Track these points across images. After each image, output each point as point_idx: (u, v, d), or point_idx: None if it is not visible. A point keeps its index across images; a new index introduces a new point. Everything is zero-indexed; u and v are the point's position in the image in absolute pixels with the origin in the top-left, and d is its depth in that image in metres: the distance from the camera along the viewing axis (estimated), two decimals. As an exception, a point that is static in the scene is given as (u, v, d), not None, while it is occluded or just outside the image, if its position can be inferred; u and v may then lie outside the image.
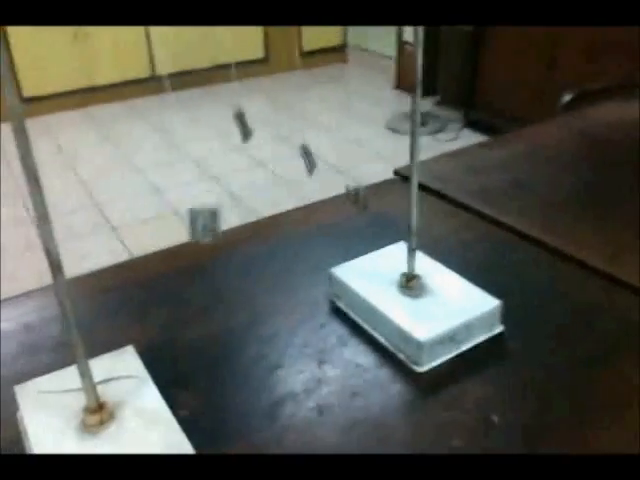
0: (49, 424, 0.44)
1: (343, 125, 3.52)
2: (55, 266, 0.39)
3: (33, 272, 2.22)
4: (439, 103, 3.73)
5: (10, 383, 0.49)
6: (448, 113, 3.58)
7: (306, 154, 0.47)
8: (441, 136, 3.33)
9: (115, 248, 2.33)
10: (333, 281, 0.61)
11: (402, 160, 1.01)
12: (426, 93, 3.73)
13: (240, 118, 0.48)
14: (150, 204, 2.71)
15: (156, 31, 4.02)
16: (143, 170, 3.04)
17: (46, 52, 3.74)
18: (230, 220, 0.86)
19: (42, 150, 3.38)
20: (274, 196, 2.59)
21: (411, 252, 0.57)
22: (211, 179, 2.90)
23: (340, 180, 2.85)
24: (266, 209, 0.83)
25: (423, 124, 3.45)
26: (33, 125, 3.71)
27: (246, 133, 0.48)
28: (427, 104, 3.69)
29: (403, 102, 3.76)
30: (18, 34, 3.66)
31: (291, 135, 3.42)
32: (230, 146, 3.29)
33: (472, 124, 3.36)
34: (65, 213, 2.64)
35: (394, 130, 3.47)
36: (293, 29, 4.54)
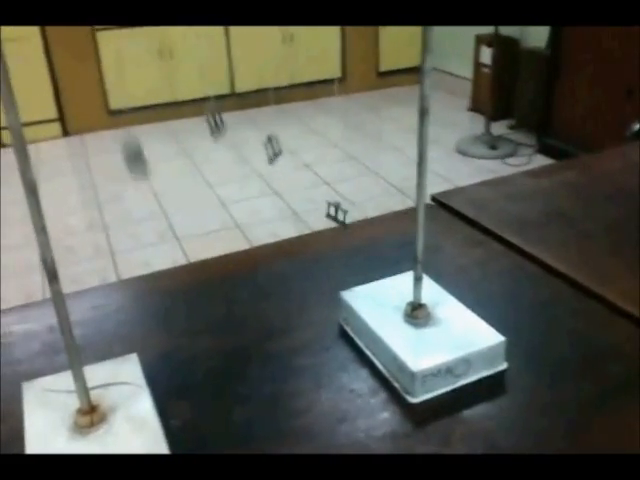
0: (45, 421, 0.47)
1: (413, 146, 3.49)
2: (51, 275, 0.42)
3: (97, 275, 2.34)
4: (513, 127, 3.65)
5: (27, 380, 0.53)
6: (521, 137, 3.49)
7: (270, 142, 0.48)
8: (512, 160, 3.24)
9: (177, 258, 2.42)
10: (342, 305, 0.61)
11: (466, 183, 1.00)
12: (501, 116, 3.66)
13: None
14: (215, 217, 2.81)
15: (237, 49, 4.17)
16: (212, 184, 3.15)
17: (132, 68, 3.96)
18: (288, 235, 0.88)
19: (122, 160, 3.56)
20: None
21: (417, 281, 0.56)
22: (275, 195, 2.97)
23: (403, 201, 2.83)
24: (322, 226, 0.85)
25: (494, 147, 3.38)
26: (116, 136, 3.92)
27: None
28: (501, 127, 3.61)
29: (476, 124, 3.70)
30: (106, 51, 3.91)
31: (359, 155, 3.44)
32: (297, 163, 3.35)
33: (546, 150, 3.26)
34: (135, 221, 2.78)
35: (463, 153, 3.42)
36: (371, 49, 4.58)
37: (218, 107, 0.51)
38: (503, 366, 0.54)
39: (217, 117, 0.49)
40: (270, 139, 0.48)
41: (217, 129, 0.51)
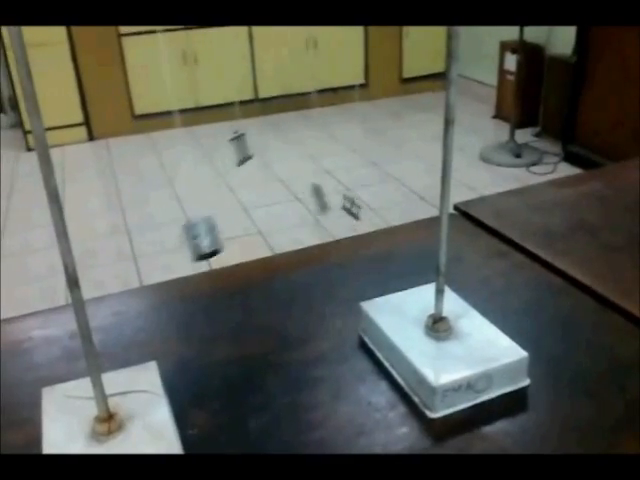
0: (63, 427, 0.47)
1: (435, 153, 3.47)
2: (72, 282, 0.42)
3: (119, 279, 2.36)
4: (538, 135, 3.61)
5: (46, 386, 0.53)
6: (546, 145, 3.44)
7: (317, 194, 0.48)
8: (536, 169, 3.20)
9: (199, 264, 2.43)
10: (362, 315, 0.61)
11: (490, 191, 0.99)
12: (525, 124, 3.62)
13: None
14: (237, 222, 2.82)
15: (260, 54, 4.19)
16: (234, 189, 3.16)
17: (157, 74, 4.00)
18: (309, 242, 0.87)
19: (146, 165, 3.61)
20: (353, 221, 2.62)
21: (439, 294, 0.56)
22: (296, 200, 2.97)
23: (424, 208, 2.81)
24: (343, 233, 0.85)
25: (518, 155, 3.35)
26: (141, 141, 3.97)
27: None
28: (525, 135, 3.57)
29: (500, 132, 3.67)
30: (132, 57, 3.96)
31: (381, 162, 3.43)
32: (319, 168, 3.35)
33: (571, 158, 3.21)
34: (158, 225, 2.80)
35: (487, 160, 3.39)
36: (394, 55, 4.57)
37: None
38: (525, 382, 0.53)
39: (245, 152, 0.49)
40: (317, 190, 0.49)
41: (243, 160, 0.51)
